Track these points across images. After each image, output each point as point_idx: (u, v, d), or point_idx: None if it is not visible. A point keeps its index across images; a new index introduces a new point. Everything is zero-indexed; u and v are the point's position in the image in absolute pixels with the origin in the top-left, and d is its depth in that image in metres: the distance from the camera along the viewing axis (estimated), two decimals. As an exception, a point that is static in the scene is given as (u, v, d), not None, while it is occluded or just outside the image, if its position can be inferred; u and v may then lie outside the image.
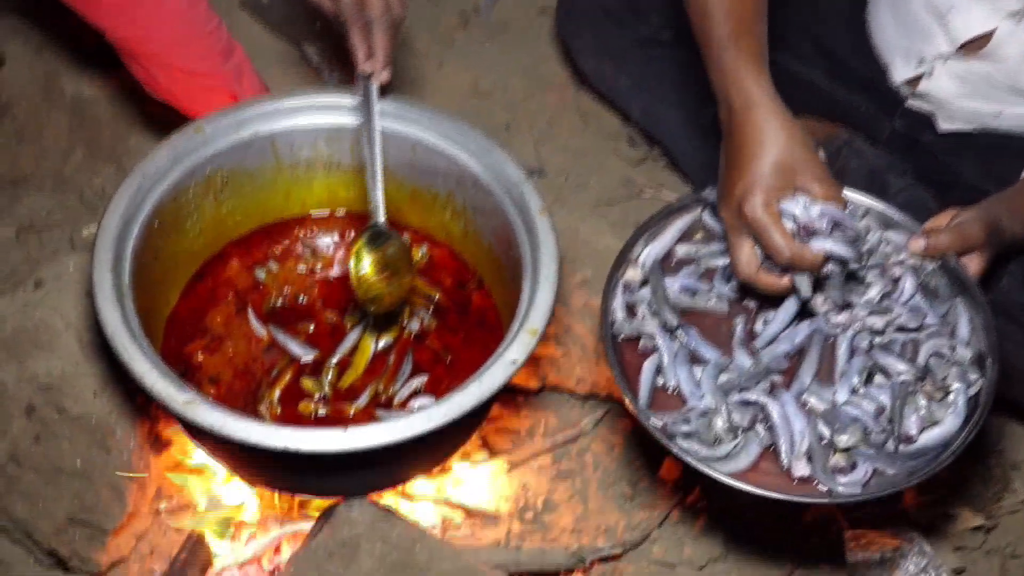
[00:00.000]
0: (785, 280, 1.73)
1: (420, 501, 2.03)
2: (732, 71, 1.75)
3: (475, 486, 2.08)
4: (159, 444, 2.01)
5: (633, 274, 1.90)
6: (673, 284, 1.89)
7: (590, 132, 2.67)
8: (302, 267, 2.06)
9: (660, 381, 1.81)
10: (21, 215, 2.41)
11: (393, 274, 1.86)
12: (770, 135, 1.71)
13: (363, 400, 1.90)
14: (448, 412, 1.64)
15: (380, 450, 1.62)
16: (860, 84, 2.34)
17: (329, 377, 1.93)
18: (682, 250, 1.94)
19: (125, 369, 1.66)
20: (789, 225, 1.70)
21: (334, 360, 1.95)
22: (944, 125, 2.23)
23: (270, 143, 1.99)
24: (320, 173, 2.07)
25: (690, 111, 2.45)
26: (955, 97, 2.17)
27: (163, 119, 2.31)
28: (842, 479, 1.69)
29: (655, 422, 1.74)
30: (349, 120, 2.01)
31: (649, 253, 1.92)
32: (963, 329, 1.83)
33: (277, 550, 1.98)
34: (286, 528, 1.98)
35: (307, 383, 1.92)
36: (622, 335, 1.85)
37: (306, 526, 1.97)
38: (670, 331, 1.83)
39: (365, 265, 1.84)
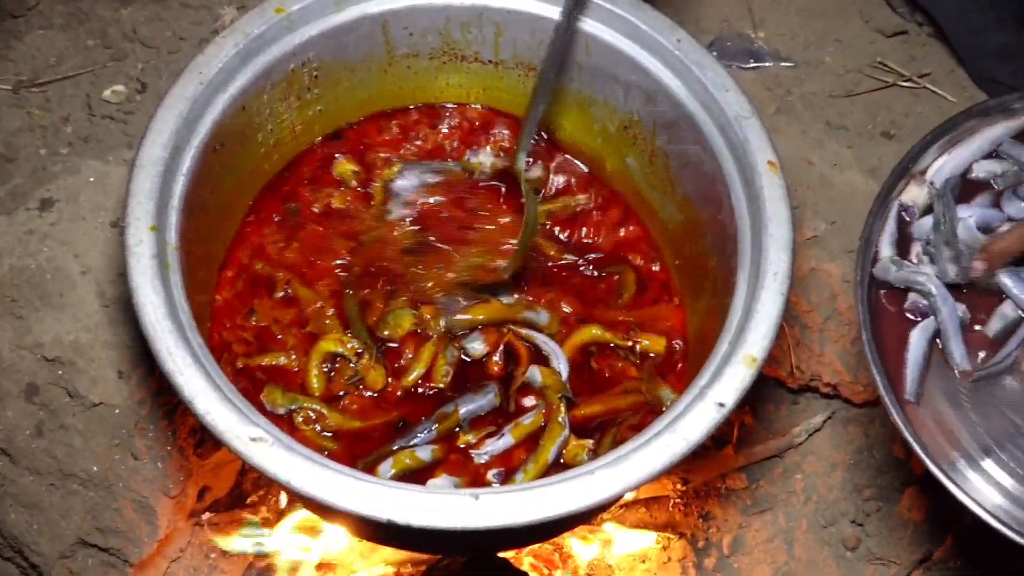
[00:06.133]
0: None
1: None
2: None
3: (638, 513, 1.91)
4: (206, 442, 1.86)
5: (916, 194, 1.67)
6: (968, 217, 1.63)
7: (828, -18, 2.31)
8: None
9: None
10: (20, 61, 2.16)
11: None
12: None
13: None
14: (628, 478, 1.47)
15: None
16: None
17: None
18: (981, 169, 1.71)
19: (168, 381, 1.46)
20: None
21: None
22: None
23: (380, 27, 1.83)
24: (447, 68, 1.92)
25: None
26: None
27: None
28: None
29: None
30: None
31: (943, 167, 1.69)
32: None
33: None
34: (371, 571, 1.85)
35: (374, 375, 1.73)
36: (886, 279, 1.61)
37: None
38: (955, 288, 1.59)
39: None
